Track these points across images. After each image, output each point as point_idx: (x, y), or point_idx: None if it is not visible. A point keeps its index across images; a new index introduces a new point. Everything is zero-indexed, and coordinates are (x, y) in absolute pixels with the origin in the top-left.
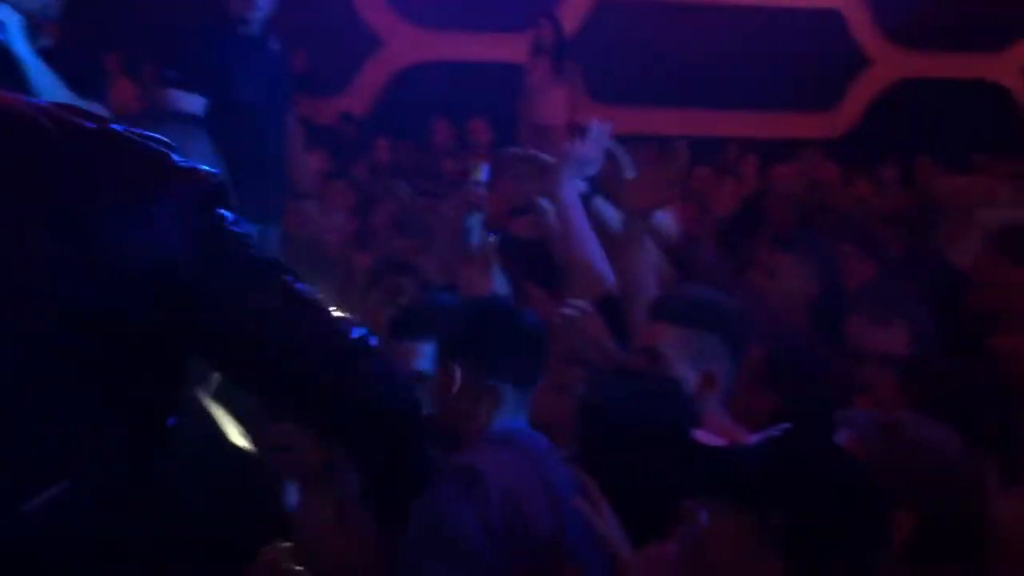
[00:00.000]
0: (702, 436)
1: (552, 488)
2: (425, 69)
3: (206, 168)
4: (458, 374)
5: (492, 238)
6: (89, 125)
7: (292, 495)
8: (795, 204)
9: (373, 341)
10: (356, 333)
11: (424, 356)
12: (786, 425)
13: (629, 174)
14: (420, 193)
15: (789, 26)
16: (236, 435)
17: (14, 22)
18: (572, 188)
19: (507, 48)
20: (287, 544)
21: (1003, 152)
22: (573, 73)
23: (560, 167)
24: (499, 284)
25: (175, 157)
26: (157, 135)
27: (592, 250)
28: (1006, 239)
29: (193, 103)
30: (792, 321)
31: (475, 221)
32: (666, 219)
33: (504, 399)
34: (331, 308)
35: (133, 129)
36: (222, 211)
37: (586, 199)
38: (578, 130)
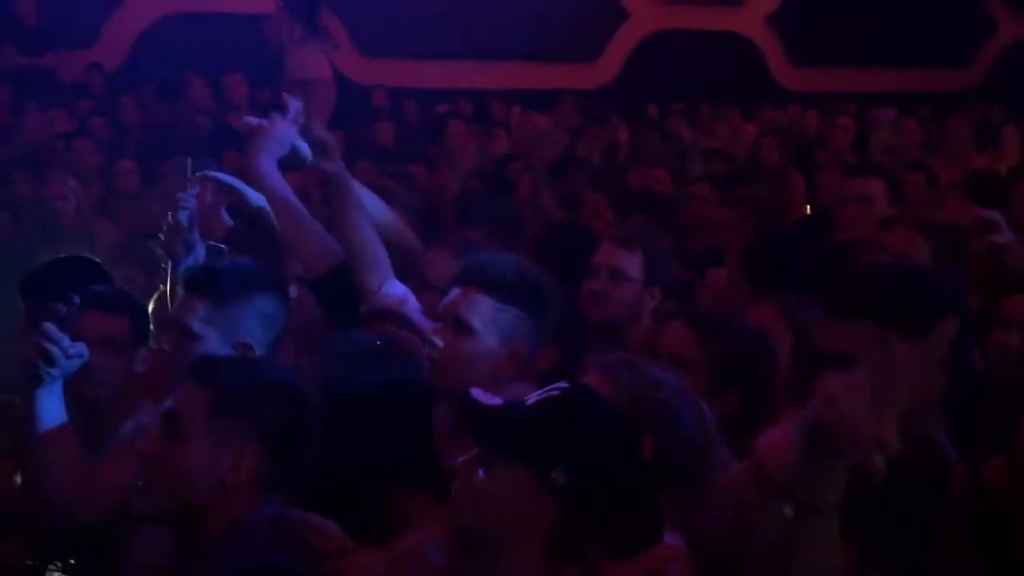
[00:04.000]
0: (478, 394)
1: None
2: (179, 21)
3: None
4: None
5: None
6: None
7: None
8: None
9: None
10: None
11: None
12: (563, 384)
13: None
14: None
15: None
16: None
17: None
18: (268, 164)
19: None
20: None
21: (749, 99)
22: (329, 26)
23: (251, 144)
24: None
25: None
26: None
27: (304, 224)
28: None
29: None
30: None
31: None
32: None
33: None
34: None
35: None
36: None
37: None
38: (280, 106)
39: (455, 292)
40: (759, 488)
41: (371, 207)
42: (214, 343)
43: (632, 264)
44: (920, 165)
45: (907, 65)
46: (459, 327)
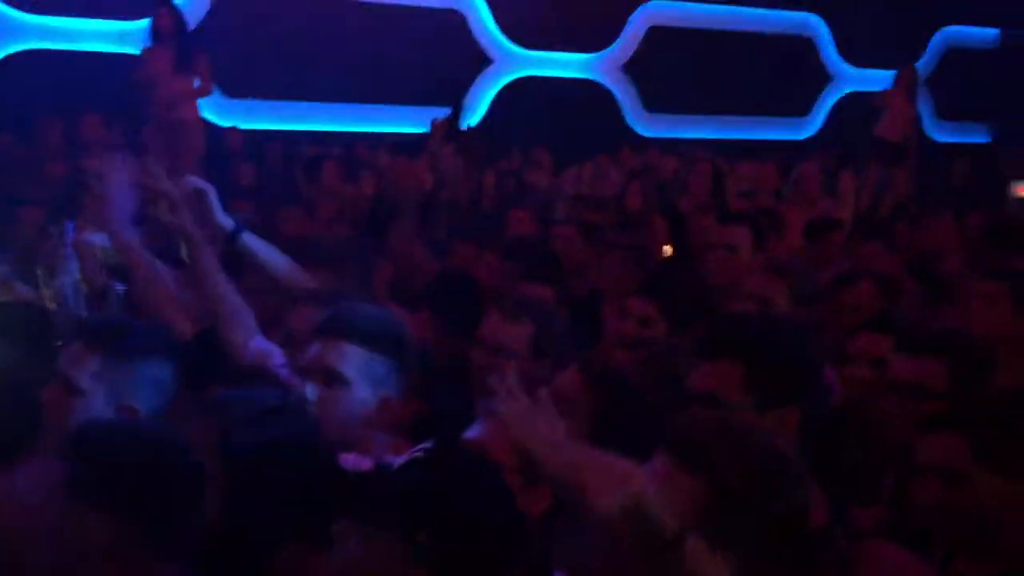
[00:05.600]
0: (347, 460)
1: None
2: (33, 57)
3: None
4: None
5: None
6: None
7: None
8: (422, 196)
9: None
10: None
11: None
12: (429, 444)
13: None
14: (19, 203)
15: (415, 24)
16: None
17: None
18: (128, 232)
19: (125, 37)
20: None
21: (608, 145)
22: (201, 63)
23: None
24: None
25: None
26: None
27: (164, 289)
28: None
29: None
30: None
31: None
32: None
33: None
34: None
35: None
36: None
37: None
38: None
39: (320, 344)
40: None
41: (265, 255)
42: (100, 402)
43: (518, 338)
44: (773, 212)
45: (754, 113)
46: (331, 379)
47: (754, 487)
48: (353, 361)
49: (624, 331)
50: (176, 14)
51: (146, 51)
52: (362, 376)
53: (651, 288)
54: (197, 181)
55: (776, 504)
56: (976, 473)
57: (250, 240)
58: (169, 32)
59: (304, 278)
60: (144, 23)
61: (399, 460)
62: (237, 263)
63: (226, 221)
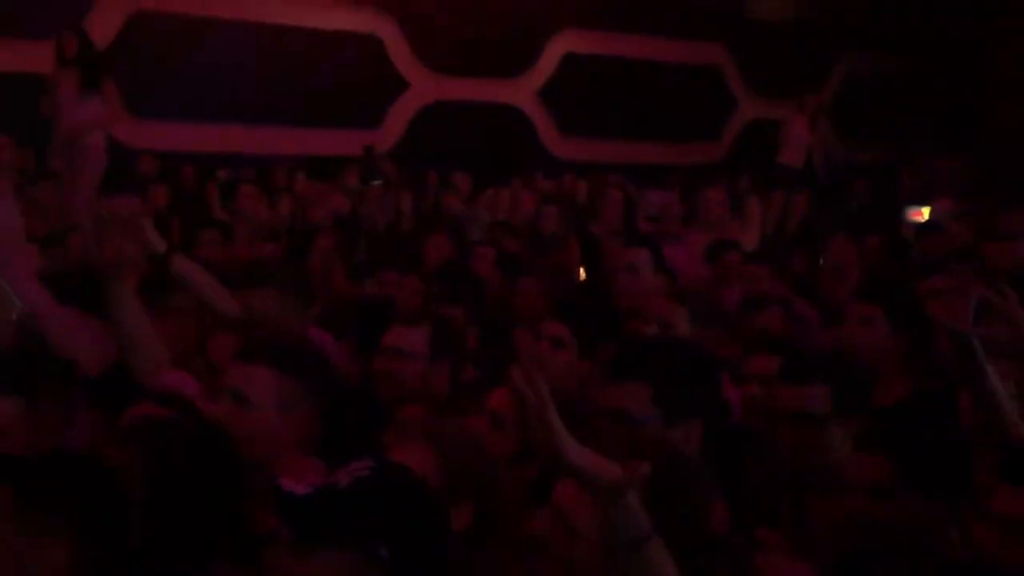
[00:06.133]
0: (286, 483)
1: None
2: None
3: None
4: None
5: None
6: None
7: None
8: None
9: None
10: None
11: None
12: (368, 461)
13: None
14: None
15: (333, 48)
16: None
17: None
18: (25, 280)
19: (35, 57)
20: None
21: (524, 168)
22: (106, 88)
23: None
24: None
25: None
26: None
27: (69, 330)
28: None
29: None
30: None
31: None
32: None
33: None
34: None
35: None
36: None
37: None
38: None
39: (232, 368)
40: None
41: (195, 277)
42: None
43: (416, 341)
44: (676, 235)
45: (663, 138)
46: (239, 401)
47: (653, 490)
48: (260, 384)
49: (538, 353)
50: (82, 37)
51: (51, 75)
52: (270, 399)
53: (564, 311)
54: (129, 204)
55: (680, 505)
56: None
57: (181, 263)
58: (74, 56)
59: (230, 302)
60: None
61: (344, 479)
62: (164, 286)
63: (158, 243)
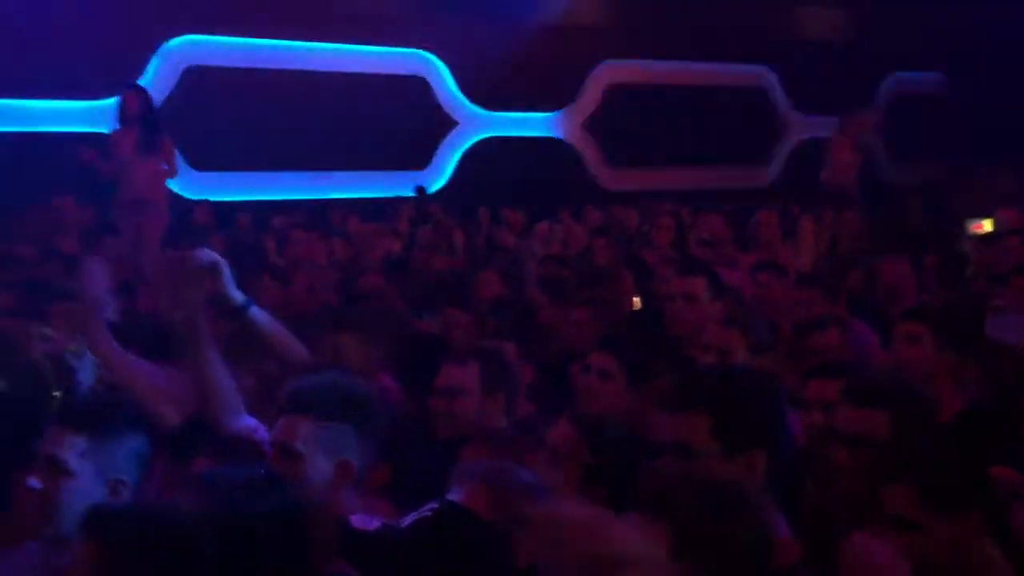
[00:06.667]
0: (357, 521)
1: None
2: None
3: None
4: None
5: None
6: None
7: None
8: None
9: None
10: None
11: None
12: (433, 504)
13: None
14: None
15: (379, 91)
16: None
17: None
18: (104, 339)
19: (94, 118)
20: None
21: (573, 200)
22: (166, 144)
23: (86, 324)
24: None
25: None
26: None
27: (148, 381)
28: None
29: None
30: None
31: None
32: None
33: None
34: None
35: None
36: None
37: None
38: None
39: (279, 421)
40: None
41: (271, 329)
42: (88, 480)
43: (468, 378)
44: (730, 260)
45: (712, 163)
46: (286, 453)
47: (714, 526)
48: (303, 434)
49: (587, 385)
50: (143, 96)
51: (113, 134)
52: (314, 447)
53: (610, 342)
54: (210, 255)
55: (738, 541)
56: (926, 521)
57: (258, 314)
58: (136, 114)
59: (303, 351)
60: (111, 102)
61: (407, 520)
62: (242, 338)
63: (237, 295)
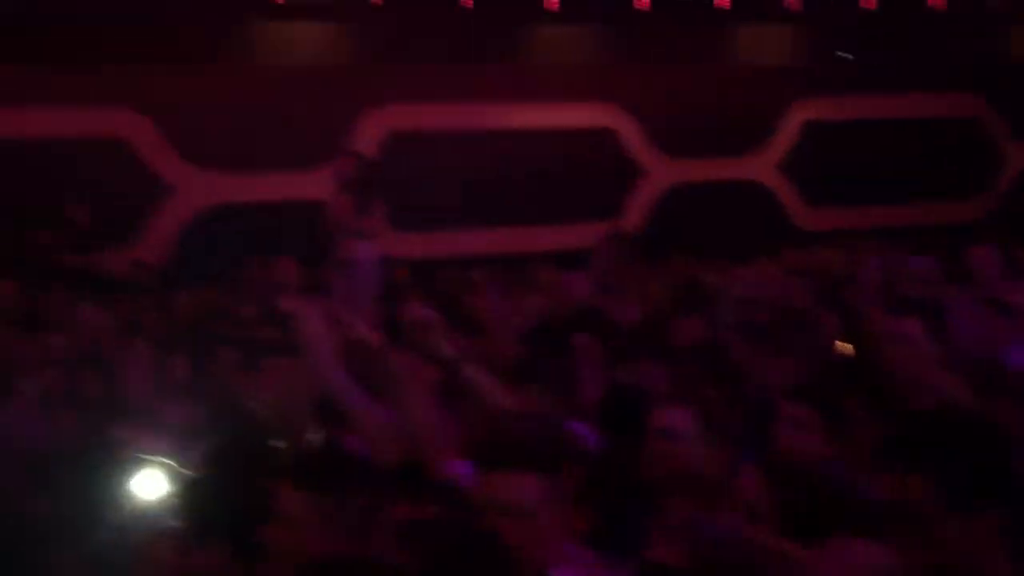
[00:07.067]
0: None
1: None
2: (223, 210)
3: None
4: None
5: None
6: None
7: None
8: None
9: None
10: None
11: None
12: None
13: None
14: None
15: (569, 144)
16: None
17: None
18: (337, 374)
19: (304, 185)
20: None
21: (771, 242)
22: (378, 207)
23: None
24: None
25: None
26: None
27: (369, 418)
28: None
29: None
30: None
31: None
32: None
33: None
34: None
35: None
36: None
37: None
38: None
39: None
40: None
41: (481, 382)
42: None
43: (683, 421)
44: (946, 300)
45: (918, 199)
46: (499, 510)
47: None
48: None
49: (778, 434)
50: (359, 159)
51: (332, 197)
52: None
53: (806, 391)
54: (424, 312)
55: None
56: None
57: (469, 369)
58: (352, 179)
59: (513, 402)
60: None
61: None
62: (453, 390)
63: (450, 351)
